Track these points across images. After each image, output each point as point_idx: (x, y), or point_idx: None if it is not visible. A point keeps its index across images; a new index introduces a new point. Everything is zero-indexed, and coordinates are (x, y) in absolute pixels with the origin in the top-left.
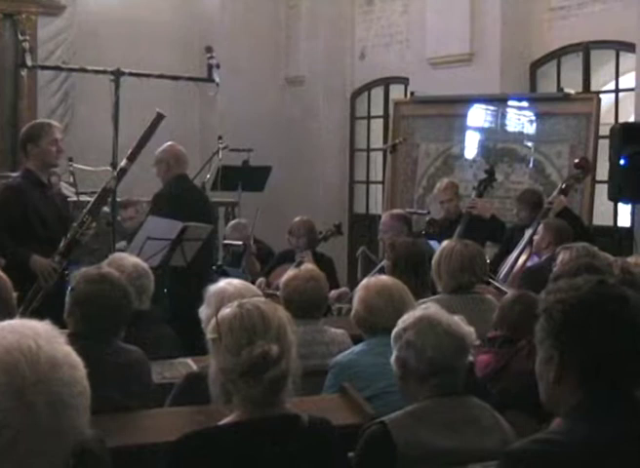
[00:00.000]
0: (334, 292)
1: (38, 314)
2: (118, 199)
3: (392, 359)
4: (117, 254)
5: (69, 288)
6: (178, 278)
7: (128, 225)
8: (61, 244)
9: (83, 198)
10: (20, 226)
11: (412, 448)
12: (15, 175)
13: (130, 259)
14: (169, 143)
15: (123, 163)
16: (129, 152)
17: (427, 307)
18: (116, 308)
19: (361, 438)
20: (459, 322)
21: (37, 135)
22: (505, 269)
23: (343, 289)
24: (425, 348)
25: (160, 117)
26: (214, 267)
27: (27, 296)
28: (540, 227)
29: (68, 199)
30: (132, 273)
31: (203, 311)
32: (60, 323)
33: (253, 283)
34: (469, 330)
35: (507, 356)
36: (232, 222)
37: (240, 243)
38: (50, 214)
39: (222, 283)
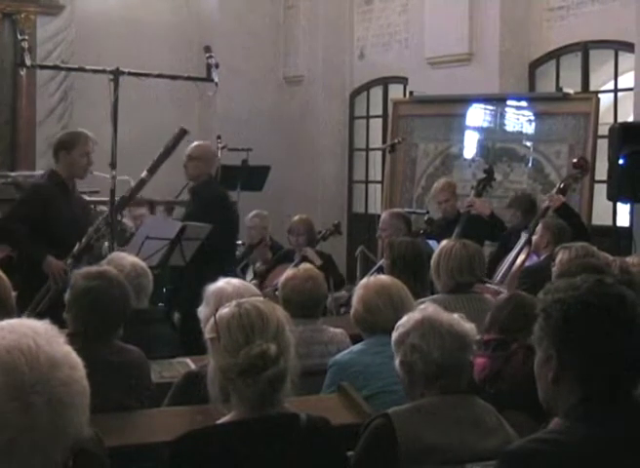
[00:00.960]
0: (330, 300)
1: (46, 316)
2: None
3: (397, 363)
4: (116, 254)
5: (69, 286)
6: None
7: (137, 224)
8: (76, 248)
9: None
10: (37, 225)
11: (414, 442)
12: (13, 174)
13: (129, 259)
14: (206, 142)
15: (143, 174)
16: (150, 165)
17: (425, 308)
18: (114, 304)
19: (364, 431)
20: (459, 319)
21: (71, 144)
22: (504, 269)
23: (342, 293)
24: (431, 350)
25: (183, 132)
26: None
27: (36, 297)
28: (539, 227)
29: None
30: (130, 272)
31: (201, 311)
32: (63, 323)
33: (257, 274)
34: (470, 326)
35: (502, 360)
36: (255, 212)
37: (240, 242)
38: (70, 217)
39: (221, 282)
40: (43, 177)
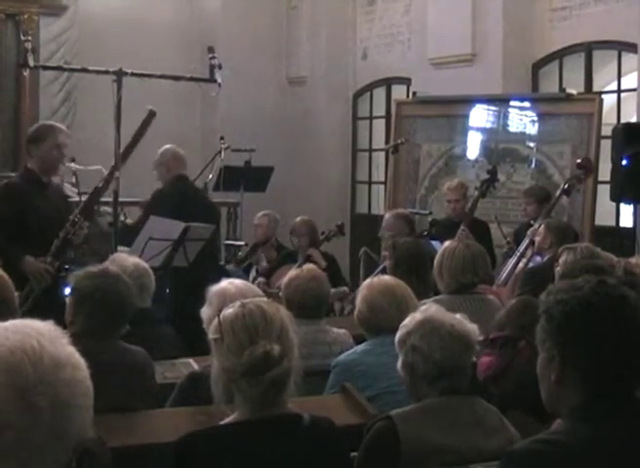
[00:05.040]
0: (333, 291)
1: (32, 315)
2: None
3: (399, 364)
4: (118, 254)
5: (70, 288)
6: (180, 278)
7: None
8: (54, 244)
9: (82, 199)
10: (14, 225)
11: (417, 444)
12: (16, 174)
13: (130, 259)
14: (166, 146)
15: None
16: (121, 151)
17: (427, 309)
18: (120, 299)
19: (368, 433)
20: (461, 320)
21: (40, 137)
22: (507, 270)
23: (343, 288)
24: (432, 351)
25: (152, 114)
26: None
27: (20, 298)
28: (542, 228)
29: (70, 199)
30: (133, 272)
31: (204, 311)
32: (55, 323)
33: (261, 273)
34: (472, 326)
35: (509, 356)
36: (265, 211)
37: (242, 243)
38: (48, 213)
39: (224, 283)
40: (17, 176)
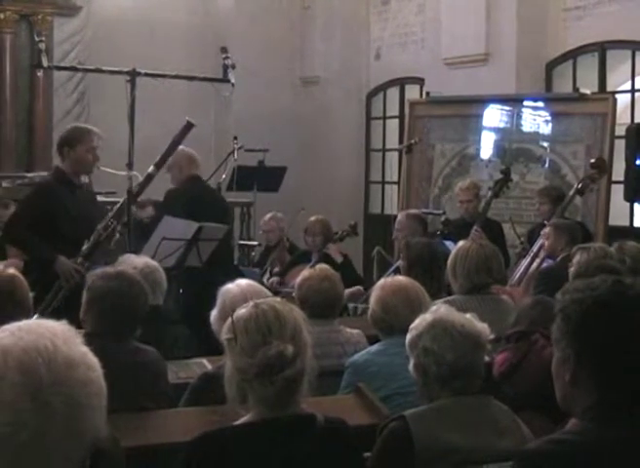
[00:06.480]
0: (347, 292)
1: (58, 314)
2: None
3: (411, 366)
4: (127, 256)
5: (86, 286)
6: (193, 278)
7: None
8: (85, 246)
9: (98, 199)
10: (45, 224)
11: (430, 444)
12: (30, 175)
13: (139, 259)
14: (179, 147)
15: (150, 169)
16: (157, 159)
17: (437, 309)
18: (133, 303)
19: (381, 433)
20: (471, 319)
21: (76, 139)
22: (521, 270)
23: (356, 287)
24: (444, 353)
25: (190, 126)
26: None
27: (48, 296)
28: (550, 230)
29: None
30: (144, 268)
31: (212, 312)
32: (78, 323)
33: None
34: (483, 326)
35: (523, 349)
36: (270, 214)
37: (256, 243)
38: (78, 214)
39: (230, 284)
40: (48, 176)
